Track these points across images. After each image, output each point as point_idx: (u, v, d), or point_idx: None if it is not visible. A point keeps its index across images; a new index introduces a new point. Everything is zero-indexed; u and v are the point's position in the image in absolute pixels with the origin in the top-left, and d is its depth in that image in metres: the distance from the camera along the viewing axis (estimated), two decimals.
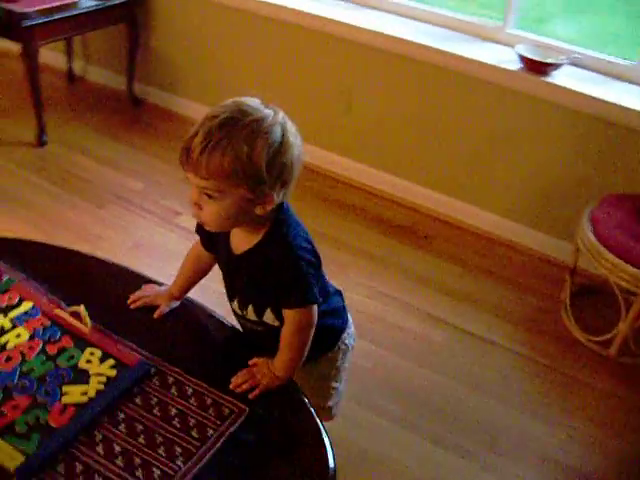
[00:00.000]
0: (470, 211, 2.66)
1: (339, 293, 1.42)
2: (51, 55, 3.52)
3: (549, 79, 2.26)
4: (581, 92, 2.21)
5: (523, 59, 2.27)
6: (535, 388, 2.00)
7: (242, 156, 1.03)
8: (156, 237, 2.43)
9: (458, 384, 1.97)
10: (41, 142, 2.89)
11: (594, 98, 2.20)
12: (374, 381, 1.95)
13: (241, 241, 1.19)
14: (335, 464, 1.12)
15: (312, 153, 2.94)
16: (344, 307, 1.43)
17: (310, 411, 1.20)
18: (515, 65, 2.33)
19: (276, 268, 1.16)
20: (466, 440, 1.79)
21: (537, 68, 2.25)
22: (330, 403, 1.50)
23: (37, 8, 2.67)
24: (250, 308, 1.27)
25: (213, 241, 1.28)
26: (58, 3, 2.77)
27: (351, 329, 1.45)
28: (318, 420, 1.18)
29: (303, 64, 2.80)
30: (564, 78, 2.27)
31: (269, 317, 1.26)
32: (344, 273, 2.33)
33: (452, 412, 1.88)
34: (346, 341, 1.44)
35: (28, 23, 2.60)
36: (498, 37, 2.49)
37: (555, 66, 2.26)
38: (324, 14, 2.63)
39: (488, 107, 2.44)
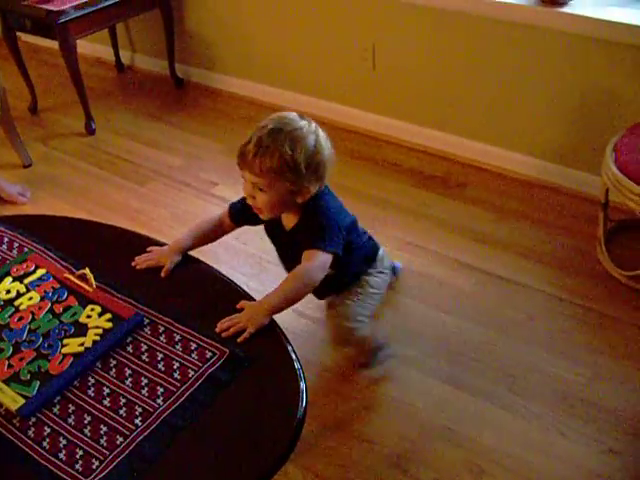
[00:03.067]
0: (503, 155, 2.61)
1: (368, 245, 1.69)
2: (101, 48, 3.72)
3: (566, 9, 2.18)
4: (599, 18, 2.11)
5: None
6: (562, 327, 1.96)
7: (286, 157, 1.34)
8: (193, 208, 2.55)
9: (483, 328, 1.97)
10: (90, 130, 3.06)
11: (614, 23, 2.09)
12: (395, 327, 1.98)
13: (289, 220, 1.49)
14: (307, 406, 1.18)
15: (341, 112, 2.97)
16: (367, 256, 1.68)
17: (289, 354, 1.26)
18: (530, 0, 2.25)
19: (311, 221, 1.43)
20: (486, 381, 1.80)
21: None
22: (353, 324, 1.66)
23: (72, 4, 2.83)
24: None
25: (246, 219, 1.54)
26: None
27: (382, 270, 1.70)
28: (296, 364, 1.24)
29: (328, 26, 2.83)
30: (582, 6, 2.18)
31: None
32: (372, 227, 2.34)
33: (473, 355, 1.88)
34: (368, 278, 1.66)
35: (63, 19, 2.75)
36: None
37: None
38: None
39: (507, 47, 2.38)
